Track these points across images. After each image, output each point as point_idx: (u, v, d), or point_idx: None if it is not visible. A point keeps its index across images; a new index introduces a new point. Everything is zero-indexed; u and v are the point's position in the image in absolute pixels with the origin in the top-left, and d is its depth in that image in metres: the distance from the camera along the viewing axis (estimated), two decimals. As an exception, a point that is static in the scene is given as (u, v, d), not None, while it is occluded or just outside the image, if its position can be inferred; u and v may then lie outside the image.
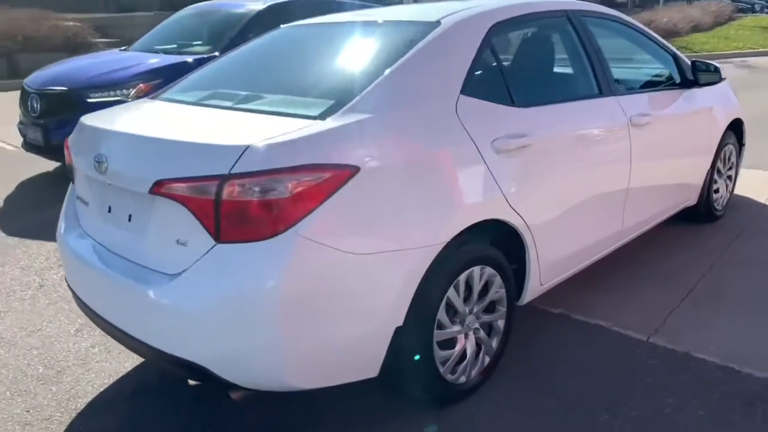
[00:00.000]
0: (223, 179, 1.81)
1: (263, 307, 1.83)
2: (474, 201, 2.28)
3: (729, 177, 4.34)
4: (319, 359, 1.97)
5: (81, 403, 2.47)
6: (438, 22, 2.48)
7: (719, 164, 4.12)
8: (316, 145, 1.92)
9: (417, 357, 2.18)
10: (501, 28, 2.64)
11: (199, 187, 1.84)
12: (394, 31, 2.57)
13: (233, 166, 1.82)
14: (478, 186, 2.28)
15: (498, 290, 2.48)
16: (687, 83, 3.65)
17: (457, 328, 2.33)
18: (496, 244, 2.47)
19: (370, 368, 2.10)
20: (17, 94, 5.94)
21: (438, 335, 2.24)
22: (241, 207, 1.81)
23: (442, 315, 2.24)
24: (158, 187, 1.93)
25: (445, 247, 2.15)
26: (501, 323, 2.54)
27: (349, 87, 2.20)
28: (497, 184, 2.32)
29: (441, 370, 2.29)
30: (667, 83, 3.65)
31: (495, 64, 2.56)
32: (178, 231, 1.92)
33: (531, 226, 2.52)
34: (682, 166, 3.69)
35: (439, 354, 2.26)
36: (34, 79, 5.68)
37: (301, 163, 1.85)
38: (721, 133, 3.98)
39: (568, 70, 3.08)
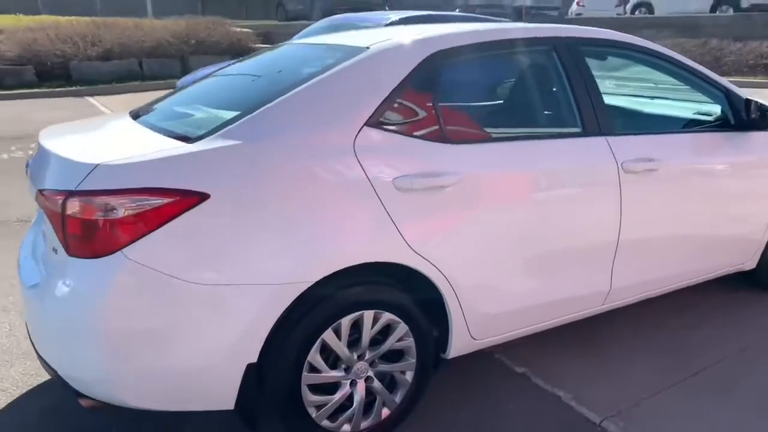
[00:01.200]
0: (68, 195, 1.87)
1: (87, 322, 1.87)
2: (357, 241, 2.11)
3: None
4: (157, 382, 1.96)
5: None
6: (367, 48, 2.33)
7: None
8: (165, 168, 1.91)
9: (279, 397, 2.08)
10: (443, 56, 2.39)
11: (52, 200, 1.92)
12: (327, 56, 2.46)
13: (80, 183, 1.87)
14: (364, 225, 2.10)
15: (404, 339, 2.28)
16: (742, 125, 3.08)
17: (338, 373, 2.18)
18: (413, 290, 2.28)
19: (224, 400, 2.04)
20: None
21: (309, 378, 2.12)
22: (80, 223, 1.86)
23: (314, 358, 2.11)
24: (39, 196, 2.05)
25: (315, 286, 2.03)
26: (409, 375, 2.33)
27: (247, 109, 2.15)
28: (395, 225, 2.13)
29: (313, 415, 2.16)
30: (711, 124, 3.11)
31: (425, 95, 2.34)
32: (54, 240, 2.02)
33: (449, 276, 2.28)
34: (727, 220, 3.12)
35: (310, 398, 2.14)
36: (185, 80, 6.31)
37: (141, 186, 1.86)
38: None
39: (536, 106, 2.74)
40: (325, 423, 2.20)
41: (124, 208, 1.83)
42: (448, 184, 2.23)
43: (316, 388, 2.16)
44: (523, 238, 2.46)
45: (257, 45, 14.98)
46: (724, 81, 3.12)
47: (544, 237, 2.51)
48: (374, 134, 2.17)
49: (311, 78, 2.22)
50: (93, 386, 1.97)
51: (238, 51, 13.99)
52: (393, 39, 2.39)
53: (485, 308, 2.43)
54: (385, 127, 2.20)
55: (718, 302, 3.41)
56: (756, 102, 3.06)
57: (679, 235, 2.93)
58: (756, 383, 2.69)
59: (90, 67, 12.86)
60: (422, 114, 2.32)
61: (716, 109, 3.14)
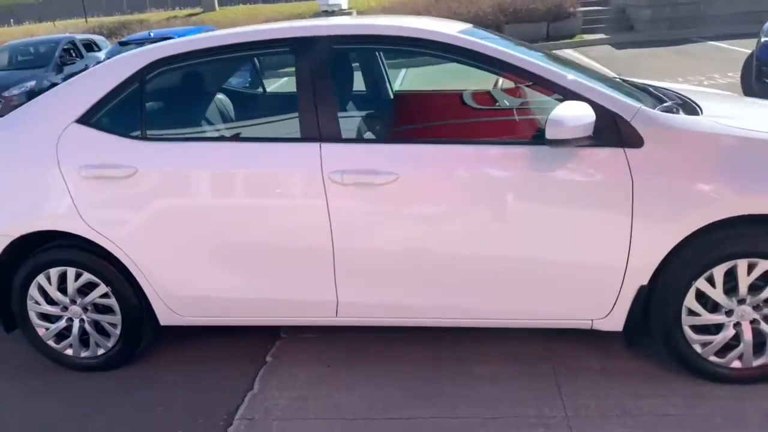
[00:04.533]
0: None
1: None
2: (31, 214, 2.72)
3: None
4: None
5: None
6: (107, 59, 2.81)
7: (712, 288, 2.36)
8: None
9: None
10: (164, 63, 2.67)
11: None
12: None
13: None
14: (36, 202, 2.70)
15: (107, 298, 2.79)
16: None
17: (54, 310, 2.86)
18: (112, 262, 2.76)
19: None
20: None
21: (35, 307, 2.86)
22: None
23: (34, 292, 2.83)
24: None
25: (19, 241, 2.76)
26: (117, 329, 2.83)
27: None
28: (73, 202, 2.66)
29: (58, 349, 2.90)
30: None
31: (138, 99, 2.68)
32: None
33: (132, 255, 2.68)
34: (531, 257, 2.45)
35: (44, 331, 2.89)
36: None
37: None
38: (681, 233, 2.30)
39: (252, 108, 2.62)
40: (82, 354, 2.92)
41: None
42: (124, 175, 2.61)
43: (42, 316, 2.89)
44: (214, 234, 2.62)
45: (578, 9, 14.27)
46: (568, 81, 2.39)
47: (239, 235, 2.60)
48: (79, 129, 2.70)
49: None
50: None
51: (554, 16, 13.68)
52: (129, 53, 2.79)
53: (177, 291, 2.73)
54: (92, 124, 2.71)
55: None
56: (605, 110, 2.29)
57: (455, 263, 2.49)
58: None
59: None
60: (129, 114, 2.71)
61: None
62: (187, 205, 2.62)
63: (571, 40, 14.08)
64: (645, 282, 2.41)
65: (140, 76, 2.71)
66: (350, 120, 2.55)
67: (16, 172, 2.76)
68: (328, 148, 2.50)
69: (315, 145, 2.51)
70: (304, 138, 2.53)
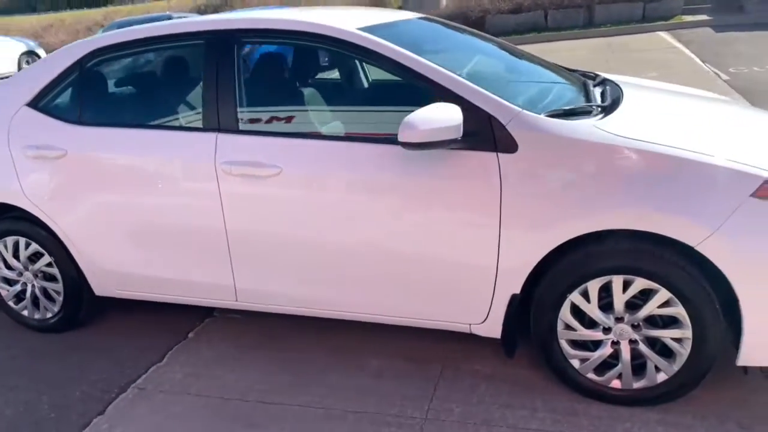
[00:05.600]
0: None
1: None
2: None
3: (646, 338, 2.25)
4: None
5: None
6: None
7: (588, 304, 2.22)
8: None
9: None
10: (100, 53, 2.89)
11: None
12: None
13: None
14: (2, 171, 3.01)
15: (52, 267, 3.08)
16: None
17: (11, 274, 3.19)
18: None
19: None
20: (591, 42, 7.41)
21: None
22: None
23: (-3, 261, 3.20)
24: None
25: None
26: (60, 296, 3.12)
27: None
28: (17, 177, 2.95)
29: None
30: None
31: (77, 85, 2.90)
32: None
33: (62, 227, 2.95)
34: (409, 257, 2.43)
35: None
36: None
37: None
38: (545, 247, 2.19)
39: (169, 97, 2.73)
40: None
41: None
42: (64, 154, 2.86)
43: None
44: (129, 214, 2.82)
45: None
46: (449, 81, 2.32)
47: (149, 217, 2.78)
48: (27, 112, 2.99)
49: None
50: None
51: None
52: (74, 42, 3.02)
53: (103, 265, 2.96)
54: (38, 108, 2.98)
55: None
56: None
57: (337, 258, 2.52)
58: None
59: (501, 20, 14.09)
60: (66, 99, 2.95)
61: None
62: (106, 186, 2.83)
63: (667, 22, 13.07)
64: (517, 291, 2.32)
65: (79, 65, 2.94)
66: (248, 113, 2.62)
67: (6, 148, 3.08)
68: (224, 138, 2.60)
69: (212, 135, 2.62)
70: (205, 128, 2.65)
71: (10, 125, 3.01)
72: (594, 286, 2.23)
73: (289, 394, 2.58)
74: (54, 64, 3.00)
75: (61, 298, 3.15)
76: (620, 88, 2.83)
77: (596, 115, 2.38)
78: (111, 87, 2.99)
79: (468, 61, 2.86)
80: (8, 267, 3.21)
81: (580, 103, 2.56)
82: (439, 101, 2.28)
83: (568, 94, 2.74)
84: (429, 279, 2.44)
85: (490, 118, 2.26)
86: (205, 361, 2.86)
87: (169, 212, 2.74)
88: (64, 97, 2.98)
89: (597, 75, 3.28)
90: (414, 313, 2.55)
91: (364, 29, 2.55)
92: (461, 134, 2.20)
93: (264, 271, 2.68)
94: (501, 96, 2.32)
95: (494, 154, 2.25)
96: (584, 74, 3.35)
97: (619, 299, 2.22)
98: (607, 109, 2.46)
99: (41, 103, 2.98)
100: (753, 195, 2.02)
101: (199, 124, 2.68)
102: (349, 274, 2.55)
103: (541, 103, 2.47)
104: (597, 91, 2.82)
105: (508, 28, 13.90)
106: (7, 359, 3.04)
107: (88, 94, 2.94)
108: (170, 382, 2.73)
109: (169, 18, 12.96)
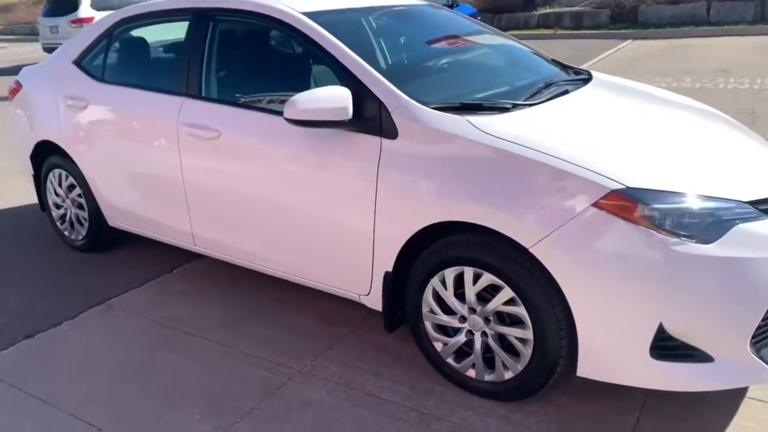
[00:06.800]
0: None
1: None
2: (42, 127, 3.73)
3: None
4: None
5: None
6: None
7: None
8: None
9: None
10: (125, 22, 3.43)
11: None
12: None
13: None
14: (45, 119, 3.69)
15: (80, 198, 3.73)
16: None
17: (59, 200, 3.90)
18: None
19: None
20: (759, 41, 7.30)
21: (50, 197, 3.95)
22: None
23: (49, 185, 3.92)
24: None
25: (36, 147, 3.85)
26: (86, 222, 3.77)
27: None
28: (59, 120, 3.61)
29: None
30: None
31: (105, 48, 3.47)
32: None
33: (81, 164, 3.59)
34: (311, 225, 2.67)
35: None
36: None
37: (14, 79, 4.09)
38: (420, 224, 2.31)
39: (163, 65, 3.15)
40: None
41: None
42: (86, 105, 3.47)
43: None
44: (122, 160, 3.36)
45: None
46: (353, 65, 2.50)
47: (136, 164, 3.30)
48: (71, 68, 3.64)
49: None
50: None
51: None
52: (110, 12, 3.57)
53: (111, 201, 3.55)
54: (80, 65, 3.61)
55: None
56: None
57: (259, 218, 2.83)
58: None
59: (656, 11, 13.09)
60: (100, 59, 3.53)
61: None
62: (109, 135, 3.40)
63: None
64: (389, 269, 2.46)
65: (109, 32, 3.52)
66: (211, 81, 2.98)
67: (44, 95, 3.80)
68: (187, 102, 3.01)
69: (180, 99, 3.04)
70: (177, 92, 3.07)
71: (58, 77, 3.69)
72: (450, 274, 2.31)
73: (213, 331, 2.95)
74: (95, 29, 3.62)
75: (87, 224, 3.81)
76: (580, 88, 2.83)
77: (501, 111, 2.42)
78: (126, 51, 3.53)
79: (416, 53, 3.00)
80: (56, 194, 3.94)
81: (522, 98, 2.59)
82: (344, 84, 2.48)
83: (515, 88, 2.77)
84: (322, 246, 2.66)
85: (381, 105, 2.41)
86: (170, 294, 3.34)
87: (149, 161, 3.22)
88: (96, 58, 3.57)
89: (582, 73, 3.22)
90: (315, 276, 2.79)
91: (310, 13, 2.78)
92: (349, 117, 2.38)
93: (208, 220, 3.07)
94: (415, 86, 2.46)
95: (379, 138, 2.40)
96: (577, 71, 3.29)
97: (470, 290, 2.29)
98: (517, 107, 2.47)
99: (83, 61, 3.61)
100: (594, 205, 1.99)
101: (175, 88, 3.10)
102: (263, 232, 2.85)
103: (450, 94, 2.55)
104: (551, 90, 2.79)
105: (662, 20, 12.92)
106: (36, 266, 3.77)
107: (110, 57, 3.51)
108: (134, 304, 3.24)
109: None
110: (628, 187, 1.99)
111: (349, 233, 2.53)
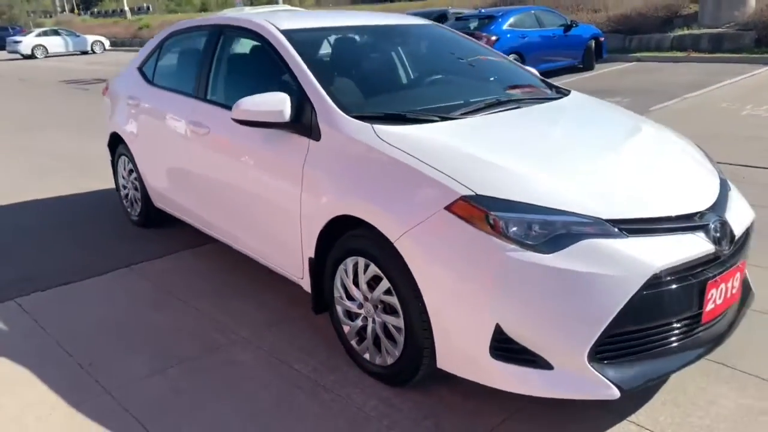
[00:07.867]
0: None
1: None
2: (113, 121, 4.49)
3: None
4: None
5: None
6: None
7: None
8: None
9: None
10: (173, 36, 4.08)
11: None
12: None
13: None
14: (119, 111, 4.44)
15: (136, 181, 4.44)
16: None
17: (122, 180, 4.66)
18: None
19: None
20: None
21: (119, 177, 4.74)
22: None
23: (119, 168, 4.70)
24: None
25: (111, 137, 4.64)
26: (140, 202, 4.48)
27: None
28: (122, 116, 4.36)
29: None
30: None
31: (157, 57, 4.15)
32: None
33: (132, 149, 4.31)
34: (262, 213, 3.09)
35: None
36: None
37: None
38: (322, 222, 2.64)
39: (194, 74, 3.64)
40: None
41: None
42: (138, 104, 4.17)
43: None
44: (160, 151, 3.99)
45: None
46: (300, 74, 2.88)
47: (167, 154, 3.91)
48: (135, 72, 4.39)
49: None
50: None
51: None
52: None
53: (154, 184, 4.19)
54: (141, 70, 4.34)
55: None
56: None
57: (232, 203, 3.30)
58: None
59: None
60: (151, 66, 4.22)
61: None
62: (149, 129, 4.06)
63: None
64: (312, 255, 2.78)
65: (162, 43, 4.20)
66: (210, 86, 3.50)
67: (116, 94, 4.60)
68: (195, 103, 3.56)
69: (193, 101, 3.60)
70: (194, 96, 3.63)
71: (127, 79, 4.46)
72: (350, 263, 2.59)
73: (197, 299, 3.44)
74: (155, 39, 4.33)
75: (140, 203, 4.52)
76: (531, 106, 3.00)
77: (429, 122, 2.66)
78: (167, 59, 4.19)
79: (383, 67, 3.30)
80: (122, 177, 4.71)
81: (460, 111, 2.81)
82: (292, 91, 2.86)
83: (466, 102, 2.97)
84: (269, 231, 3.06)
85: (312, 110, 2.75)
86: (180, 266, 3.91)
87: (172, 151, 3.82)
88: (150, 65, 4.28)
89: (553, 89, 3.34)
90: (269, 258, 3.20)
91: (288, 30, 3.19)
92: (286, 119, 2.75)
93: (210, 205, 3.59)
94: (355, 96, 2.80)
95: (308, 140, 2.74)
96: (559, 90, 3.40)
97: (362, 279, 2.55)
98: (447, 119, 2.69)
99: (143, 67, 4.33)
100: (446, 208, 2.18)
101: (191, 92, 3.67)
102: (231, 215, 3.34)
103: (394, 106, 2.85)
104: (499, 106, 2.95)
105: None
106: (96, 233, 4.55)
107: (159, 64, 4.19)
108: (149, 270, 3.86)
109: (445, 14, 14.14)
110: (477, 195, 2.16)
111: (285, 222, 2.90)
